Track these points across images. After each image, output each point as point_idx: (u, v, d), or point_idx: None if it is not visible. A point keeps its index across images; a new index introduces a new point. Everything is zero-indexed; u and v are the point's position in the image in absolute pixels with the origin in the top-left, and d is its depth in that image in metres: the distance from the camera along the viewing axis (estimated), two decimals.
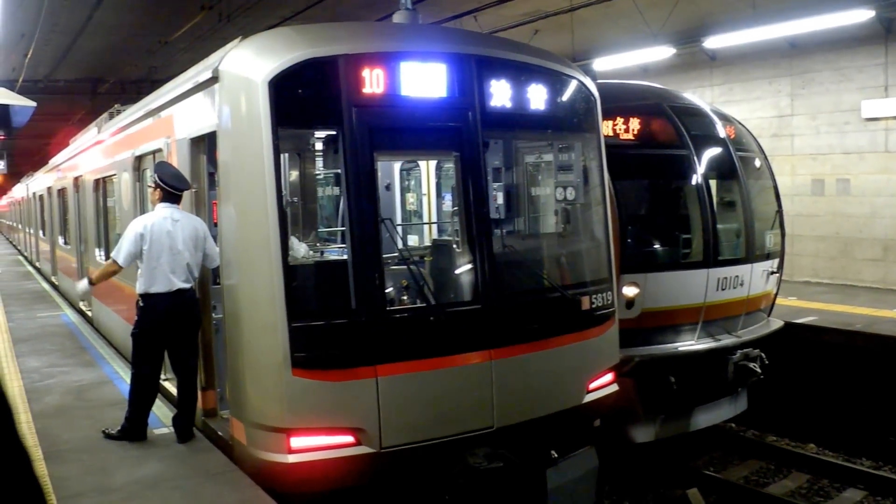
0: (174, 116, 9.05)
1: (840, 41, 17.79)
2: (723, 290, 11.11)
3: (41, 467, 7.21)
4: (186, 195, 8.24)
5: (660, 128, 11.56)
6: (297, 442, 6.58)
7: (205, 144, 8.19)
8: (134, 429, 8.04)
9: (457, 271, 8.17)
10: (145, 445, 7.88)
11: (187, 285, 7.80)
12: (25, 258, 35.59)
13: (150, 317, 7.80)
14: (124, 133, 11.94)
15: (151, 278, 7.72)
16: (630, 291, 10.34)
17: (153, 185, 8.04)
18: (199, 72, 8.10)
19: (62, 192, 20.36)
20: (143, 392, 8.00)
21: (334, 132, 7.40)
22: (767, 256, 12.09)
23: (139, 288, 7.83)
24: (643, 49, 20.08)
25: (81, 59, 26.86)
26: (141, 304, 7.85)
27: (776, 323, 12.46)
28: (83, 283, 8.61)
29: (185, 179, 8.10)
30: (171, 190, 7.89)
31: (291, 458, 6.57)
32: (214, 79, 7.27)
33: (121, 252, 7.84)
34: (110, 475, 7.04)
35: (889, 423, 12.45)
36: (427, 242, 11.83)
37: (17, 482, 1.39)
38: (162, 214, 7.84)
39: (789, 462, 12.04)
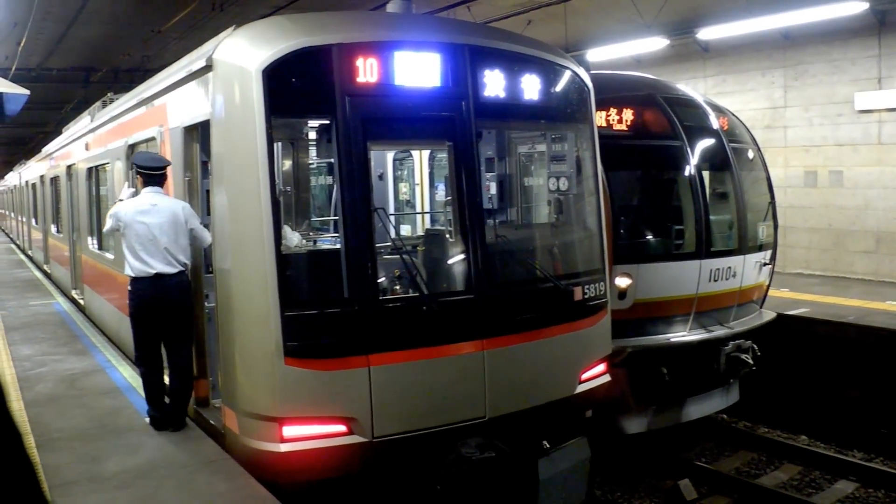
0: (167, 105, 9.03)
1: (833, 33, 17.81)
2: (715, 281, 11.13)
3: (33, 455, 7.22)
4: (179, 184, 8.26)
5: (653, 119, 11.57)
6: (289, 431, 6.58)
7: (198, 133, 8.17)
8: (155, 417, 8.10)
9: (450, 261, 8.17)
10: (137, 434, 7.87)
11: (170, 270, 7.74)
12: (18, 246, 35.52)
13: (136, 301, 7.86)
14: (117, 122, 11.91)
15: (131, 263, 7.78)
16: (623, 282, 10.35)
17: (138, 175, 8.12)
18: (192, 60, 8.08)
19: (55, 181, 20.32)
20: (147, 375, 8.04)
21: (328, 121, 7.39)
22: (760, 248, 12.12)
23: (126, 271, 7.92)
24: (636, 40, 20.07)
25: (75, 47, 26.73)
26: (129, 287, 7.92)
27: (768, 314, 12.49)
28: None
29: (161, 158, 8.21)
30: (148, 171, 7.94)
31: (283, 447, 6.58)
32: (208, 67, 7.25)
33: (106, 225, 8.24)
34: (102, 464, 7.04)
35: (881, 414, 12.49)
36: (420, 232, 11.83)
37: (8, 461, 1.38)
38: (140, 199, 7.91)
39: (781, 454, 12.07)
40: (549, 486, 7.77)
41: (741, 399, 12.39)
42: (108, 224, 8.09)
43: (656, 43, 19.98)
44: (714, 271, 11.09)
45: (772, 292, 13.21)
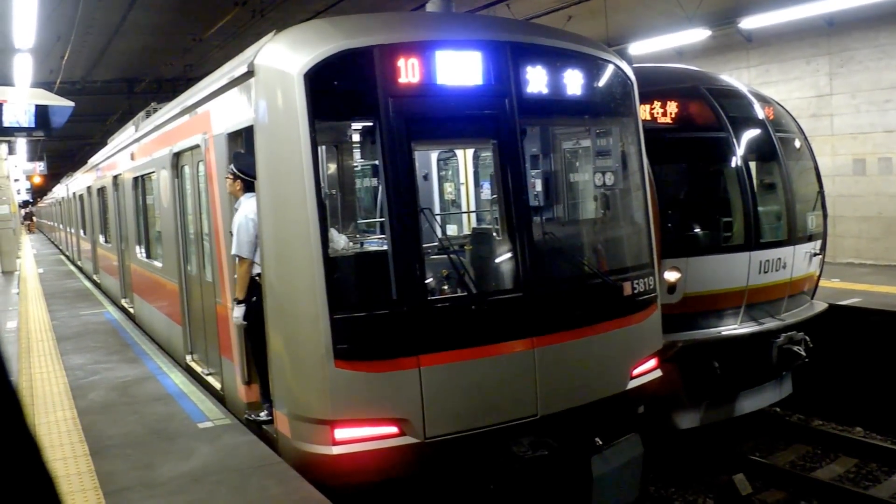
0: (211, 112, 9.07)
1: (879, 17, 17.49)
2: (765, 272, 11.00)
3: (87, 462, 7.30)
4: (224, 189, 8.30)
5: (697, 110, 11.45)
6: (341, 433, 6.58)
7: (242, 139, 8.22)
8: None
9: (497, 259, 8.13)
10: (189, 440, 7.91)
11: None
12: (67, 257, 36.01)
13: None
14: (161, 131, 12.01)
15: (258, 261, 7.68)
16: (672, 276, 10.26)
17: (232, 177, 8.08)
18: (234, 67, 8.11)
19: (102, 191, 20.57)
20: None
21: (371, 123, 7.38)
22: (809, 238, 11.94)
23: (256, 270, 7.78)
24: (678, 32, 19.89)
25: (117, 59, 27.09)
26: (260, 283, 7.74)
27: (820, 305, 12.30)
28: (238, 313, 8.01)
29: None
30: (253, 180, 7.87)
31: (336, 450, 6.57)
32: (250, 73, 7.27)
33: (242, 246, 7.84)
34: (156, 469, 7.09)
35: None
36: (467, 231, 11.80)
37: (21, 470, 1.37)
38: (255, 202, 7.81)
39: (836, 446, 11.90)
40: (602, 484, 7.70)
41: (794, 391, 12.22)
42: (248, 236, 7.80)
43: (698, 34, 19.76)
44: (764, 263, 10.95)
45: (823, 283, 13.01)
